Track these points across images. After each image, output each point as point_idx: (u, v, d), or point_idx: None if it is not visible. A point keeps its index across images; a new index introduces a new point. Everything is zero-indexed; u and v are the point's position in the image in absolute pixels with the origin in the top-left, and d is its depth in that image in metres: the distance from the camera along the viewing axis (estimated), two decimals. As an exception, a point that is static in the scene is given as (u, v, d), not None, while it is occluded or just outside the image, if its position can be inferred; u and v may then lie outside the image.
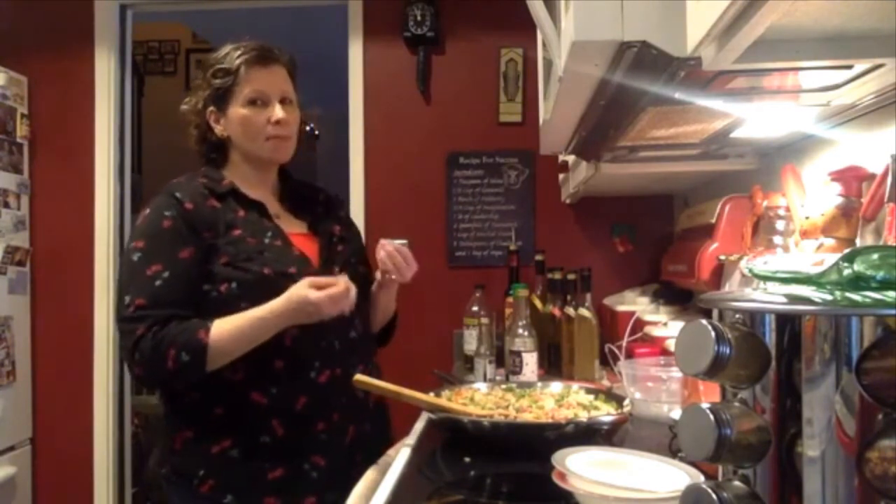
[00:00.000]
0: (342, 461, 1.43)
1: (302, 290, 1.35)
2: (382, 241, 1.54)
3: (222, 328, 1.34)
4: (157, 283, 1.36)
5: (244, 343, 1.36)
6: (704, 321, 0.60)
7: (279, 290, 1.37)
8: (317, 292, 1.34)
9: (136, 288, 1.36)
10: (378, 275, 1.58)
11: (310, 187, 1.66)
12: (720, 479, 0.66)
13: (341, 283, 1.37)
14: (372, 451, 1.37)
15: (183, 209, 1.40)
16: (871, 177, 1.21)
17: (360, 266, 1.58)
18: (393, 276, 1.54)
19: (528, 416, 1.39)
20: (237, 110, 1.48)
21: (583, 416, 1.38)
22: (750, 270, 0.70)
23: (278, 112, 1.47)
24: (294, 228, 1.53)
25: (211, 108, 1.51)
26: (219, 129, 1.51)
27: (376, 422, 1.56)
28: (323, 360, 1.42)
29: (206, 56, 1.55)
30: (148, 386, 1.25)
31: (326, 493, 1.40)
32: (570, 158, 2.35)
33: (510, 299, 2.19)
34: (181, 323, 1.34)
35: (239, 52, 1.48)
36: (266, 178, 1.56)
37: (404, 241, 1.59)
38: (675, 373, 1.53)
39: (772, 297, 0.61)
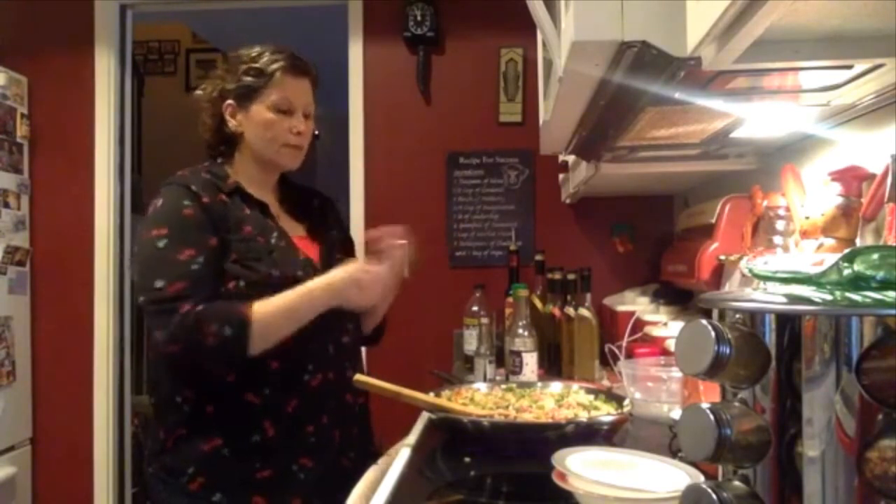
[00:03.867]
0: (329, 464, 1.43)
1: (356, 263, 1.43)
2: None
3: (265, 305, 1.34)
4: (194, 266, 1.34)
5: (290, 318, 1.36)
6: (704, 321, 0.60)
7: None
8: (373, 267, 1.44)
9: (172, 272, 1.33)
10: None
11: (303, 190, 1.66)
12: (720, 479, 0.66)
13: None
14: (359, 455, 1.37)
15: (201, 202, 1.40)
16: (871, 177, 1.21)
17: None
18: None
19: (528, 416, 1.39)
20: (262, 112, 1.48)
21: (583, 416, 1.38)
22: (750, 270, 0.70)
23: (301, 124, 1.49)
24: (294, 231, 1.53)
25: (230, 102, 1.50)
26: (233, 124, 1.51)
27: (361, 426, 1.56)
28: (316, 363, 1.42)
29: (237, 52, 1.53)
30: (182, 364, 1.21)
31: (313, 496, 1.40)
32: (570, 158, 2.35)
33: (510, 299, 2.19)
34: (222, 303, 1.34)
35: (277, 58, 1.49)
36: (269, 180, 1.56)
37: (403, 242, 1.59)
38: (675, 373, 1.53)
39: (772, 297, 0.61)
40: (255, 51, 1.51)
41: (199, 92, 1.55)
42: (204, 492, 1.38)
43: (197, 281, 1.33)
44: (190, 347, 1.31)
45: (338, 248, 1.59)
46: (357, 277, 1.41)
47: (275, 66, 1.47)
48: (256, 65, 1.48)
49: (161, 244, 1.36)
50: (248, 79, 1.48)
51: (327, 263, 1.51)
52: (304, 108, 1.51)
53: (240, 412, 1.39)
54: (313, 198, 1.65)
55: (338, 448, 1.46)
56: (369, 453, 1.34)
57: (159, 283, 1.32)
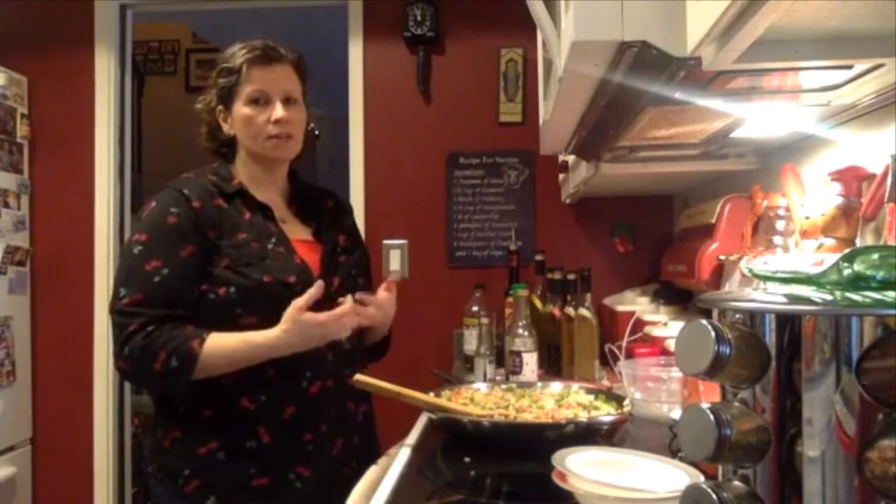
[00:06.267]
0: (328, 474, 1.42)
1: (305, 314, 1.34)
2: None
3: (216, 344, 1.34)
4: (156, 279, 1.35)
5: (234, 363, 1.36)
6: (704, 321, 0.60)
7: (277, 298, 1.37)
8: (322, 315, 1.35)
9: (134, 282, 1.36)
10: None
11: (319, 191, 1.64)
12: (720, 479, 0.66)
13: (347, 303, 1.38)
14: (361, 464, 1.36)
15: (190, 207, 1.40)
16: (871, 177, 1.21)
17: (359, 278, 1.57)
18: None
19: (528, 416, 1.39)
20: (240, 109, 1.48)
21: (583, 416, 1.38)
22: (750, 270, 0.70)
23: (278, 111, 1.46)
24: (298, 234, 1.52)
25: (219, 108, 1.51)
26: (226, 128, 1.52)
27: (365, 435, 1.54)
28: (315, 370, 1.41)
29: (217, 55, 1.55)
30: (129, 381, 1.25)
31: None
32: (570, 158, 2.35)
33: (510, 299, 2.19)
34: (176, 327, 1.34)
35: (243, 52, 1.48)
36: (274, 178, 1.55)
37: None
38: (675, 373, 1.53)
39: (772, 297, 0.61)
40: (229, 51, 1.51)
41: (198, 105, 1.56)
42: (199, 495, 1.38)
43: (154, 295, 1.35)
44: (137, 369, 1.35)
45: (344, 253, 1.56)
46: (310, 319, 1.35)
47: (241, 60, 1.47)
48: (227, 64, 1.49)
49: (136, 250, 1.39)
50: (223, 80, 1.49)
51: (327, 268, 1.50)
52: (284, 94, 1.48)
53: (235, 417, 1.39)
54: (327, 199, 1.64)
55: (339, 457, 1.45)
56: (372, 462, 1.33)
57: (122, 291, 1.36)
